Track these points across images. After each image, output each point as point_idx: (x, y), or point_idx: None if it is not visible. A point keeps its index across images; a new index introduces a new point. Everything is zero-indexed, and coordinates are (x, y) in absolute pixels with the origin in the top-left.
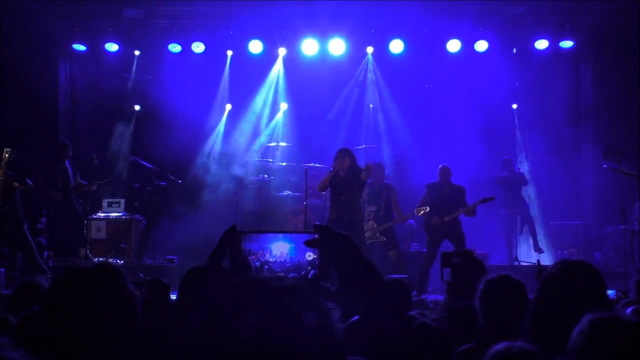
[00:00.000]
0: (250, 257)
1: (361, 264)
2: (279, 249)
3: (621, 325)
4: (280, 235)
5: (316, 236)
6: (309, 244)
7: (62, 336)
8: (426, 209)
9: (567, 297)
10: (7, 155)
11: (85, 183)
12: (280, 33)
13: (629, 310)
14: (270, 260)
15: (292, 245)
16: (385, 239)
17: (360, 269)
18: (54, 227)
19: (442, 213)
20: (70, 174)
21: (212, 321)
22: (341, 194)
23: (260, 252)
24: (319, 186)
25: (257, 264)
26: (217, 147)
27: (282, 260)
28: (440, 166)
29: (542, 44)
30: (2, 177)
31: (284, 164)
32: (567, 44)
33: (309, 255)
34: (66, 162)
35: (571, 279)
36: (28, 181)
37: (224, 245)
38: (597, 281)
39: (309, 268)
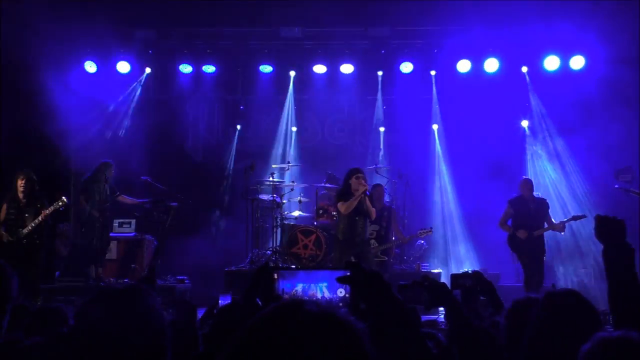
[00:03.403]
0: (284, 297)
1: (392, 301)
2: (313, 287)
3: (634, 346)
4: (313, 272)
5: (348, 273)
6: (342, 281)
7: (92, 355)
8: (429, 231)
9: (558, 329)
10: (60, 204)
11: (138, 200)
12: (292, 55)
13: None
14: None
15: (326, 283)
16: (386, 258)
17: (391, 306)
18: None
19: (528, 228)
20: (108, 191)
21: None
22: (358, 214)
23: (294, 291)
24: (345, 208)
25: None
26: (228, 167)
27: (315, 299)
28: (522, 179)
29: (552, 62)
30: (42, 219)
31: (294, 184)
32: (577, 62)
33: (340, 292)
34: (108, 179)
35: (559, 309)
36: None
37: (257, 282)
38: (585, 308)
39: (340, 304)
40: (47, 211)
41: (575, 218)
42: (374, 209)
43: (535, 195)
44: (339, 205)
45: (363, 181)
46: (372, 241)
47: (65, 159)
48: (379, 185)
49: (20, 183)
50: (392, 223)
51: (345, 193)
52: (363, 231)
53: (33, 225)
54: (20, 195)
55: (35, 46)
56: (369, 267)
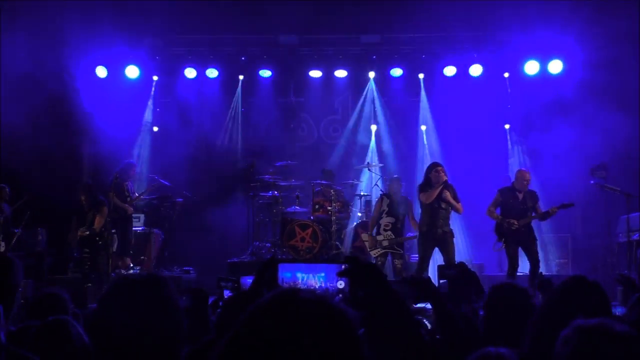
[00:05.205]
0: (284, 285)
1: (389, 292)
2: (311, 277)
3: (611, 335)
4: (312, 264)
5: (345, 266)
6: (341, 275)
7: (112, 342)
8: None
9: (572, 312)
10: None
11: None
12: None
13: None
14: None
15: (323, 274)
16: (401, 251)
17: (387, 298)
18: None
19: (513, 218)
20: (131, 189)
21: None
22: (442, 206)
23: (294, 281)
24: (426, 197)
25: None
26: (231, 166)
27: (313, 288)
28: (517, 170)
29: (531, 67)
30: (79, 237)
31: (292, 180)
32: (556, 66)
33: (340, 284)
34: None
35: (578, 295)
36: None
37: (264, 272)
38: (602, 298)
39: (340, 295)
40: (77, 237)
41: (564, 206)
42: (459, 204)
43: (529, 188)
44: (421, 196)
45: (442, 173)
46: (389, 233)
47: (78, 161)
48: (396, 178)
49: (83, 199)
50: (409, 215)
51: (426, 185)
52: (444, 222)
53: (76, 239)
54: (86, 209)
55: (53, 53)
56: (365, 259)
